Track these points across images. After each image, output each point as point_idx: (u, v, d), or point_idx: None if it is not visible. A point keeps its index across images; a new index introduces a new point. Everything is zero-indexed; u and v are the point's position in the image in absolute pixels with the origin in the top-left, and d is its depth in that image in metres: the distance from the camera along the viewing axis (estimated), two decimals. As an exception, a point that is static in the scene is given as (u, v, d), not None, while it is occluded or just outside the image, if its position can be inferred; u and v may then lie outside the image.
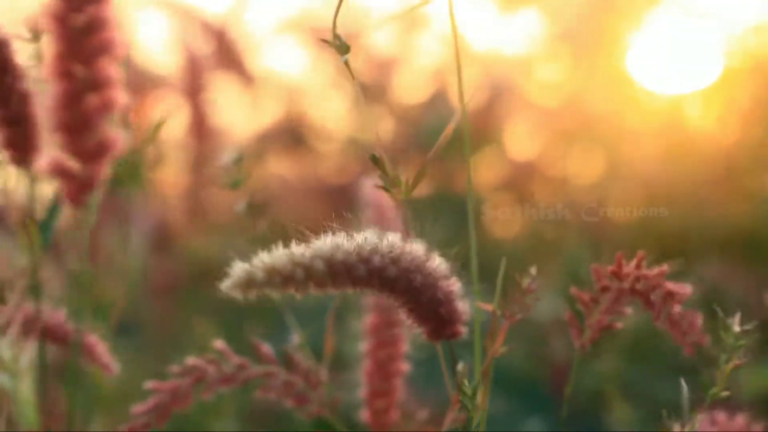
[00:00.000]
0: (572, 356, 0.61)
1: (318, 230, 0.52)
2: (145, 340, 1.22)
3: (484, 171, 1.56)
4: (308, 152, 1.59)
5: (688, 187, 1.48)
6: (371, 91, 1.54)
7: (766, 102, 1.51)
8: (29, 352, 0.48)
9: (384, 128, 1.57)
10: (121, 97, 0.59)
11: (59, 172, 0.58)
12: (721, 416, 0.66)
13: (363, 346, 0.68)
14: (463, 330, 0.56)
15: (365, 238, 0.52)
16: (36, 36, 0.62)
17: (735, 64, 1.55)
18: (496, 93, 1.57)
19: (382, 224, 0.67)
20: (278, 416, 1.06)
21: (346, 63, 0.55)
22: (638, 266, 0.58)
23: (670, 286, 0.58)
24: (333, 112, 1.62)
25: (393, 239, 0.52)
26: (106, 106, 0.58)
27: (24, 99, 0.61)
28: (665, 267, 0.58)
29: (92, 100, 0.58)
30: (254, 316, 1.03)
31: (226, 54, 1.43)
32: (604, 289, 0.59)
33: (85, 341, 0.69)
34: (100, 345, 0.70)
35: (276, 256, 0.50)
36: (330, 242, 0.51)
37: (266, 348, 0.65)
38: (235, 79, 1.46)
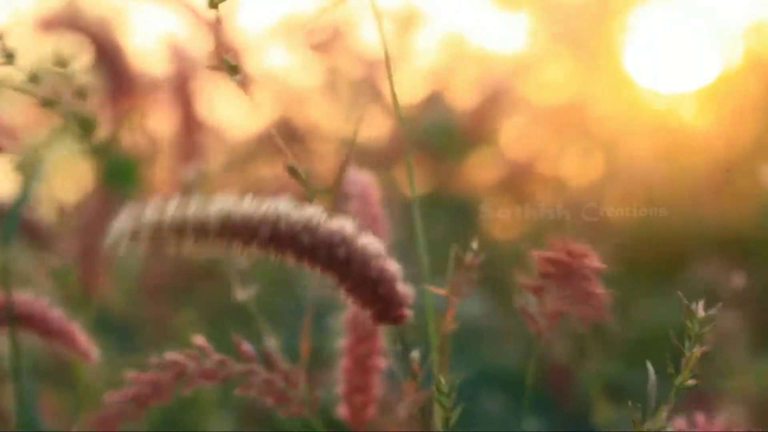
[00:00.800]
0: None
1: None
2: (140, 341, 1.21)
3: (482, 171, 1.56)
4: (304, 153, 1.59)
5: (687, 187, 1.47)
6: (367, 92, 1.54)
7: (765, 102, 1.50)
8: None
9: (379, 129, 1.56)
10: None
11: None
12: (700, 417, 0.65)
13: (341, 342, 0.68)
14: (408, 313, 0.55)
15: (276, 206, 0.52)
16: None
17: (734, 63, 1.55)
18: (493, 93, 1.56)
19: (368, 217, 0.68)
20: (272, 416, 1.06)
21: (243, 85, 0.56)
22: (569, 250, 0.58)
23: (590, 263, 0.58)
24: (329, 113, 1.61)
25: (315, 213, 0.53)
26: None
27: None
28: (586, 247, 0.58)
29: None
30: (245, 316, 1.03)
31: (221, 55, 1.42)
32: (546, 275, 0.59)
33: (65, 328, 0.68)
34: (80, 332, 0.69)
35: (167, 209, 0.51)
36: (233, 203, 0.52)
37: (246, 346, 0.65)
38: (230, 79, 1.45)
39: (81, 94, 0.68)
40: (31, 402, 0.64)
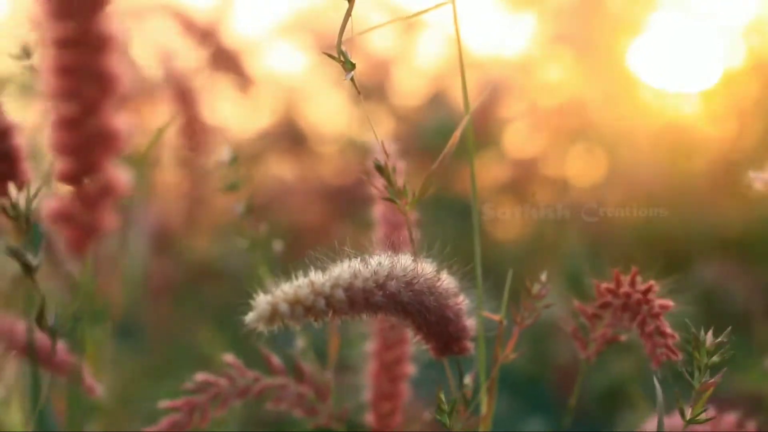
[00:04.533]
0: (575, 357, 0.61)
1: (333, 253, 0.51)
2: (145, 342, 1.21)
3: (485, 172, 1.56)
4: (308, 153, 1.59)
5: (690, 187, 1.47)
6: (371, 92, 1.54)
7: (767, 102, 1.50)
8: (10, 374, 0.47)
9: (384, 129, 1.56)
10: (126, 140, 0.57)
11: (62, 217, 0.56)
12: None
13: (368, 347, 0.68)
14: (471, 346, 0.55)
15: (380, 262, 0.51)
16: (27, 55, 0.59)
17: (738, 63, 1.54)
18: (497, 93, 1.57)
19: (393, 236, 0.66)
20: (283, 421, 1.06)
21: (352, 80, 0.54)
22: (632, 283, 0.58)
23: (657, 301, 0.57)
24: (333, 113, 1.62)
25: (405, 261, 0.52)
26: (112, 150, 0.56)
27: (5, 134, 0.57)
28: (653, 283, 0.57)
29: (97, 144, 0.55)
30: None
31: (223, 56, 1.42)
32: (605, 306, 0.59)
33: (69, 361, 0.67)
34: (84, 366, 0.68)
35: (297, 286, 0.49)
36: (348, 269, 0.50)
37: (276, 360, 0.64)
38: (234, 80, 1.46)
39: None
40: (49, 408, 0.63)
